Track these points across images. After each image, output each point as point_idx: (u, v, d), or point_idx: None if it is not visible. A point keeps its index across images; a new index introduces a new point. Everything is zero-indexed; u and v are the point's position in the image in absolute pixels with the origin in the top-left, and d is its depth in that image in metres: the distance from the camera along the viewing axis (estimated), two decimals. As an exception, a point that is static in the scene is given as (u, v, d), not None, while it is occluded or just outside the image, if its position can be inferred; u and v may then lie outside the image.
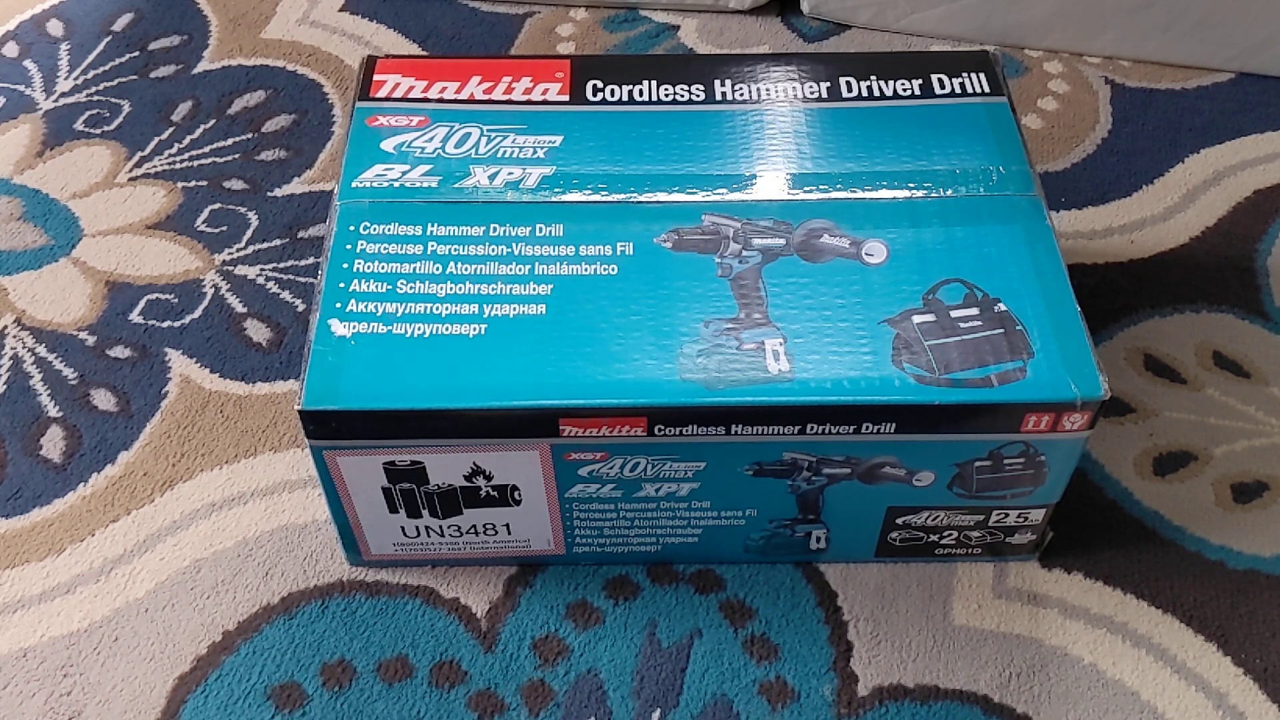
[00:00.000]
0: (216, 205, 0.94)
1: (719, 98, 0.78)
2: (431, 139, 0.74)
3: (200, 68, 1.06)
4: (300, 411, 0.62)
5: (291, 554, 0.74)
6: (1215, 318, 0.86)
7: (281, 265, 0.90)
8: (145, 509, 0.76)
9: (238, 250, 0.91)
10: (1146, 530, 0.75)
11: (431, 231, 0.69)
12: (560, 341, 0.64)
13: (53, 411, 0.81)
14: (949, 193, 0.71)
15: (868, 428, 0.63)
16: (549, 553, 0.72)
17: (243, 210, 0.94)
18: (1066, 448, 0.65)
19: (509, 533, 0.70)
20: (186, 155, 0.98)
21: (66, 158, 0.98)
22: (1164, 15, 1.02)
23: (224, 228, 0.93)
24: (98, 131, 1.00)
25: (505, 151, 0.74)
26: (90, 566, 0.74)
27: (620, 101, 0.77)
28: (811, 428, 0.63)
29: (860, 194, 0.71)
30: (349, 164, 0.73)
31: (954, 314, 0.65)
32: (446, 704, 0.68)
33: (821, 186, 0.72)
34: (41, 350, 0.85)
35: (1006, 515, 0.69)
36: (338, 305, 0.66)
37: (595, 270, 0.67)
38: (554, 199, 0.71)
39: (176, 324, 0.86)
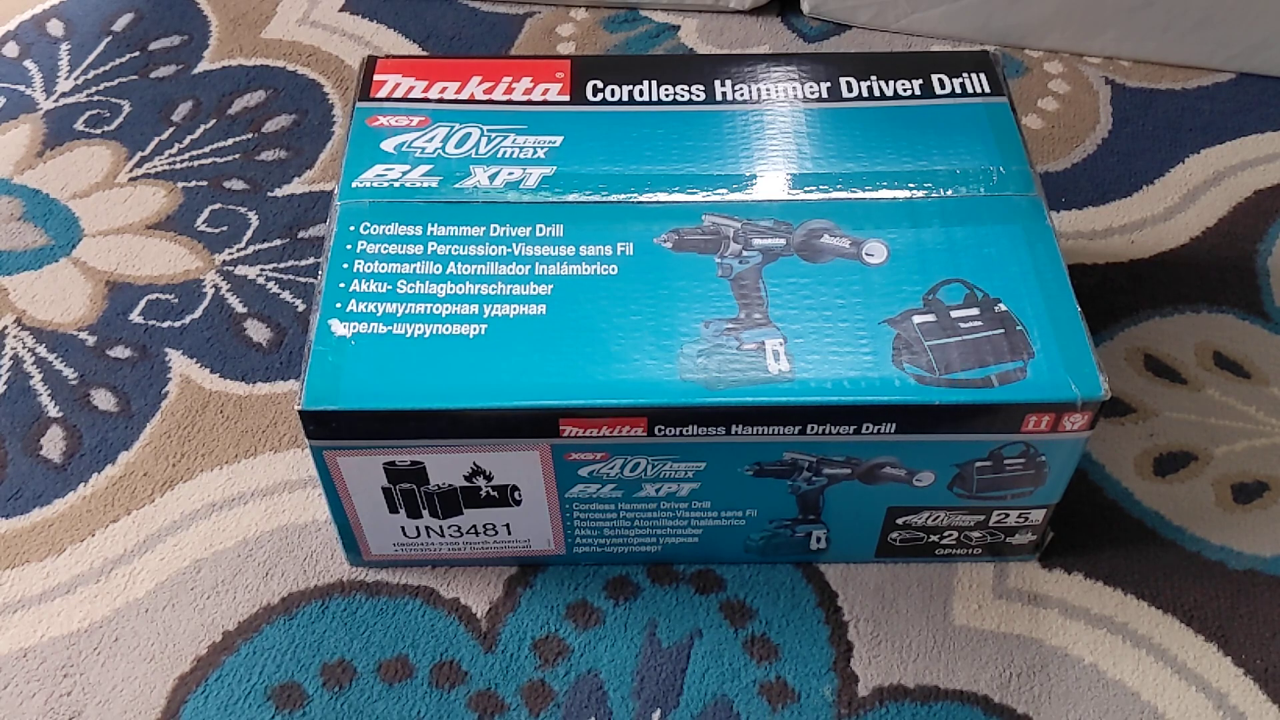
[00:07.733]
0: (217, 205, 0.94)
1: (719, 98, 0.78)
2: (432, 139, 0.74)
3: (200, 68, 1.06)
4: (300, 411, 0.62)
5: (291, 554, 0.74)
6: (1215, 318, 0.86)
7: (281, 265, 0.90)
8: (145, 509, 0.76)
9: (238, 250, 0.91)
10: (1147, 530, 0.75)
11: (432, 231, 0.69)
12: (560, 342, 0.64)
13: (53, 411, 0.81)
14: (949, 193, 0.71)
15: (868, 428, 0.63)
16: (549, 553, 0.72)
17: (243, 210, 0.94)
18: (1067, 448, 0.65)
19: (509, 533, 0.70)
20: (187, 155, 0.98)
21: (67, 158, 0.98)
22: (1164, 15, 1.02)
23: (224, 228, 0.93)
24: (98, 131, 1.00)
25: (505, 152, 0.74)
26: (90, 566, 0.74)
27: (620, 102, 0.77)
28: (812, 428, 0.63)
29: (860, 194, 0.71)
30: (349, 164, 0.73)
31: (954, 314, 0.65)
32: (447, 704, 0.68)
33: (822, 186, 0.72)
34: (42, 350, 0.85)
35: (1007, 515, 0.69)
36: (338, 305, 0.66)
37: (595, 270, 0.67)
38: (554, 199, 0.71)
39: (177, 324, 0.86)
